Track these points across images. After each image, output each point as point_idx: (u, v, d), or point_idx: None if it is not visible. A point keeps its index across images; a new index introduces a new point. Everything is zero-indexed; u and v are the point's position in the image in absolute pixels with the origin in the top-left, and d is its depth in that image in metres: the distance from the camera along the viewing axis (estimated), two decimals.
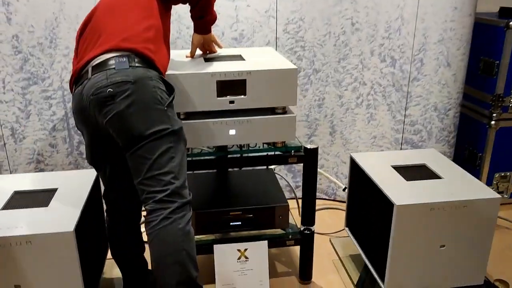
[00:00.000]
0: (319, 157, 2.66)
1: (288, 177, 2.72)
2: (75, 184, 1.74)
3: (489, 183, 2.62)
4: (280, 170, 2.72)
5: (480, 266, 1.78)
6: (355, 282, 1.99)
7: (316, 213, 2.62)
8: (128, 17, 1.51)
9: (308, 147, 1.81)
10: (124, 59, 1.42)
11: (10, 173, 2.32)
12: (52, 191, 1.69)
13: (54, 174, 1.84)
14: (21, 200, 1.64)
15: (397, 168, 1.91)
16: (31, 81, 2.23)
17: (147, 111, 1.39)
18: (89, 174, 1.82)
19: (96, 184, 1.81)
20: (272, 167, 2.42)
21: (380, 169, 1.89)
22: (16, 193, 1.69)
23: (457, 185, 1.76)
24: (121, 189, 1.65)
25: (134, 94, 1.39)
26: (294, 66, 1.68)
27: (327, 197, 2.79)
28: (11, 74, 2.18)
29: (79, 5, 2.19)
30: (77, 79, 1.49)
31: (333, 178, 2.69)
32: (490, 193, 1.70)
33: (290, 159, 1.84)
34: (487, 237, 1.73)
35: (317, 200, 2.75)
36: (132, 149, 1.41)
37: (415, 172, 1.89)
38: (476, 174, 2.62)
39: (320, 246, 2.32)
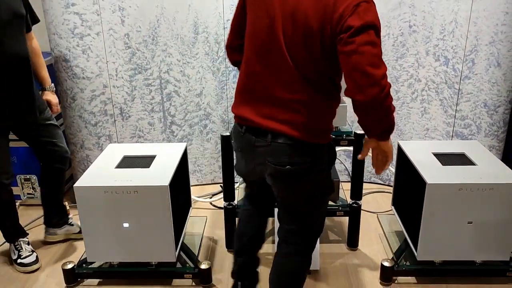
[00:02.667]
0: None
1: (347, 162, 3.05)
2: (169, 153, 2.22)
3: None
4: (340, 155, 3.06)
5: (506, 244, 2.02)
6: (394, 251, 2.30)
7: (370, 195, 2.96)
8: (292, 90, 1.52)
9: (357, 132, 2.15)
10: (303, 142, 1.52)
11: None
12: (152, 157, 2.18)
13: (153, 144, 2.35)
14: (129, 162, 2.15)
15: (437, 155, 2.18)
16: (137, 70, 2.76)
17: (314, 192, 1.61)
18: (180, 146, 2.30)
19: (184, 154, 2.28)
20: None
21: (421, 155, 2.18)
22: (125, 157, 2.21)
23: (488, 171, 2.01)
24: (262, 201, 1.91)
25: (307, 175, 1.56)
26: None
27: (381, 182, 3.08)
28: (122, 65, 2.73)
29: (176, 9, 2.68)
30: (247, 123, 1.59)
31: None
32: None
33: (341, 142, 2.19)
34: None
35: (372, 184, 3.09)
36: (288, 212, 1.67)
37: (452, 159, 2.15)
38: None
39: (369, 222, 2.65)
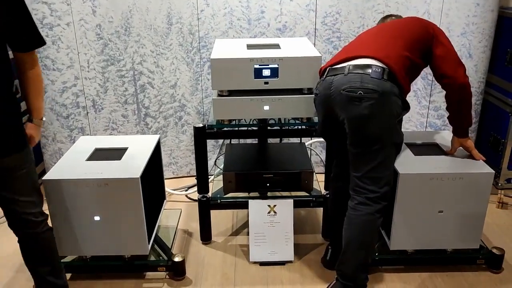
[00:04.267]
0: None
1: (323, 153, 3.06)
2: (141, 145, 2.19)
3: (510, 167, 2.83)
4: (316, 147, 3.07)
5: (476, 233, 2.05)
6: None
7: None
8: (396, 44, 1.78)
9: None
10: (379, 70, 1.68)
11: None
12: (124, 149, 2.15)
13: (126, 137, 2.31)
14: (101, 154, 2.11)
15: (410, 145, 2.20)
16: (109, 62, 2.71)
17: (382, 122, 1.70)
18: (152, 139, 2.27)
19: (157, 146, 2.25)
20: (307, 143, 2.77)
21: None
22: (97, 149, 2.17)
23: (458, 161, 2.04)
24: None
25: (377, 103, 1.67)
26: (319, 54, 2.02)
27: None
28: (94, 56, 2.67)
29: (149, 0, 2.64)
30: (332, 69, 1.79)
31: None
32: (485, 169, 1.97)
33: (314, 133, 2.19)
34: (481, 207, 2.00)
35: None
36: (359, 148, 1.74)
37: (424, 149, 2.17)
38: (499, 158, 2.83)
39: None
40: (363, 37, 1.90)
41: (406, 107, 1.77)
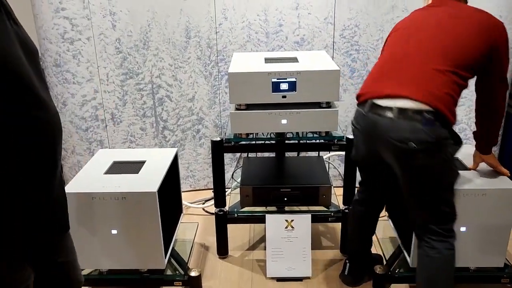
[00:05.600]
0: None
1: (341, 167, 3.03)
2: (159, 158, 2.19)
3: None
4: (334, 161, 3.03)
5: (500, 250, 1.99)
6: (387, 258, 2.27)
7: None
8: (445, 64, 1.59)
9: (349, 137, 2.12)
10: (431, 117, 1.54)
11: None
12: (142, 163, 2.15)
13: (143, 150, 2.32)
14: (119, 168, 2.12)
15: None
16: (128, 75, 2.73)
17: (438, 168, 1.61)
18: (170, 152, 2.27)
19: (175, 160, 2.25)
20: (325, 157, 2.74)
21: None
22: (115, 162, 2.18)
23: (481, 176, 1.99)
24: (376, 191, 1.98)
25: (431, 153, 1.56)
26: (337, 68, 2.00)
27: None
28: (113, 70, 2.70)
29: (167, 14, 2.66)
30: (375, 105, 1.66)
31: None
32: (509, 184, 1.91)
33: (333, 147, 2.16)
34: (506, 223, 1.94)
35: None
36: (416, 197, 1.69)
37: None
38: None
39: None
40: (405, 48, 1.68)
41: (458, 142, 1.65)
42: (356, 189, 2.25)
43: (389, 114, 1.61)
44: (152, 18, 2.65)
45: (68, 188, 1.92)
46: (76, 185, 1.95)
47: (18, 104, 0.88)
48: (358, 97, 1.78)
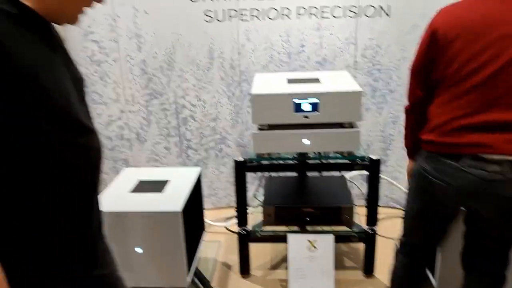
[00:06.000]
0: (392, 169, 2.93)
1: (363, 186, 3.01)
2: (182, 178, 2.22)
3: None
4: (356, 180, 3.02)
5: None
6: None
7: (388, 220, 2.91)
8: None
9: (372, 157, 2.12)
10: None
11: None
12: (166, 182, 2.19)
13: (168, 169, 2.36)
14: (143, 186, 2.16)
15: None
16: (153, 96, 2.80)
17: None
18: (194, 171, 2.30)
19: (198, 179, 2.28)
20: (347, 176, 2.74)
21: None
22: (141, 181, 2.22)
23: None
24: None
25: None
26: (359, 89, 2.02)
27: (400, 207, 3.03)
28: (139, 90, 2.77)
29: (191, 35, 2.72)
30: (476, 158, 1.40)
31: (405, 189, 2.93)
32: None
33: (356, 167, 2.16)
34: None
35: (390, 209, 3.03)
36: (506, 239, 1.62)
37: None
38: None
39: (386, 248, 2.58)
40: (493, 65, 1.37)
41: None
42: (374, 210, 2.24)
43: (501, 172, 1.40)
44: (176, 40, 2.71)
45: None
46: (102, 203, 1.99)
47: (65, 133, 0.92)
48: (436, 144, 1.50)
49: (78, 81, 1.02)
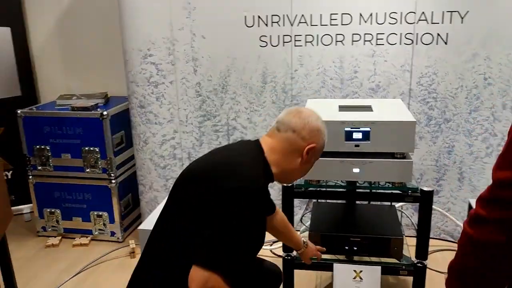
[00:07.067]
0: (446, 200, 2.84)
1: (414, 216, 2.92)
2: None
3: None
4: (407, 209, 2.94)
5: None
6: None
7: (439, 252, 2.80)
8: None
9: (424, 189, 2.06)
10: None
11: None
12: None
13: None
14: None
15: None
16: (206, 117, 2.87)
17: None
18: None
19: None
20: (397, 205, 2.67)
21: None
22: None
23: None
24: None
25: None
26: (413, 119, 1.97)
27: (452, 240, 2.91)
28: (192, 112, 2.85)
29: (246, 60, 2.78)
30: None
31: (459, 222, 2.82)
32: None
33: (406, 198, 2.11)
34: None
35: (441, 241, 2.92)
36: None
37: None
38: None
39: (436, 282, 2.49)
40: None
41: None
42: (425, 242, 2.16)
43: None
44: (231, 64, 2.78)
45: (145, 225, 2.03)
46: (151, 222, 2.05)
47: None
48: None
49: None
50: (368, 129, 1.99)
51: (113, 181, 2.93)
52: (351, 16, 2.65)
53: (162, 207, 2.07)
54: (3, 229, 1.85)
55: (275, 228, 1.88)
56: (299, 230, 2.66)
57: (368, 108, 2.21)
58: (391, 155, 2.04)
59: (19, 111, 2.94)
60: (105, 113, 2.82)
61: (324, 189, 2.18)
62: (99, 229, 3.06)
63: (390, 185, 2.13)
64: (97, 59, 3.33)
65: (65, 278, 2.63)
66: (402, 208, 2.93)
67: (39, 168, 2.99)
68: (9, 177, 3.33)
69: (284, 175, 1.56)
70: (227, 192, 1.35)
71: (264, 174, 1.47)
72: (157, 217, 1.56)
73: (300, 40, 2.72)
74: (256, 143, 1.55)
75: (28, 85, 3.36)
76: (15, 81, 3.25)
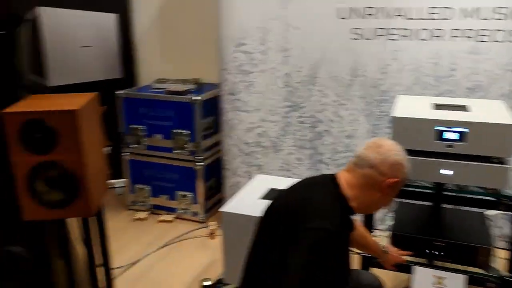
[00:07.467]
0: None
1: (507, 226, 2.73)
2: None
3: None
4: (498, 219, 2.75)
5: None
6: None
7: None
8: None
9: None
10: None
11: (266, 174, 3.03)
12: None
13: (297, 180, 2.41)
14: (274, 194, 2.24)
15: None
16: (292, 108, 2.89)
17: None
18: None
19: None
20: (486, 213, 2.51)
21: None
22: (271, 189, 2.31)
23: None
24: None
25: None
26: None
27: None
28: (280, 102, 2.88)
29: (338, 52, 2.75)
30: None
31: None
32: None
33: (500, 206, 1.98)
34: None
35: None
36: None
37: None
38: None
39: None
40: None
41: None
42: None
43: None
44: (323, 55, 2.77)
45: (227, 208, 2.10)
46: (234, 205, 2.13)
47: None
48: None
49: None
50: (465, 130, 1.89)
51: (199, 163, 3.06)
52: (452, 10, 2.52)
53: (241, 195, 2.12)
54: (101, 201, 2.02)
55: (354, 242, 1.86)
56: (379, 229, 2.60)
57: (463, 108, 2.10)
58: (486, 159, 1.92)
59: (120, 92, 3.16)
60: (196, 98, 2.94)
61: (411, 189, 2.12)
62: (183, 208, 3.21)
63: (482, 191, 2.02)
64: (193, 46, 3.47)
65: (150, 250, 2.81)
66: (492, 216, 2.75)
67: (133, 146, 3.19)
68: (110, 152, 3.58)
69: (364, 208, 1.58)
70: (310, 230, 1.39)
71: (340, 211, 1.47)
72: (249, 250, 1.66)
73: (394, 34, 2.64)
74: (332, 178, 1.57)
75: (128, 68, 3.59)
76: (117, 64, 3.48)
